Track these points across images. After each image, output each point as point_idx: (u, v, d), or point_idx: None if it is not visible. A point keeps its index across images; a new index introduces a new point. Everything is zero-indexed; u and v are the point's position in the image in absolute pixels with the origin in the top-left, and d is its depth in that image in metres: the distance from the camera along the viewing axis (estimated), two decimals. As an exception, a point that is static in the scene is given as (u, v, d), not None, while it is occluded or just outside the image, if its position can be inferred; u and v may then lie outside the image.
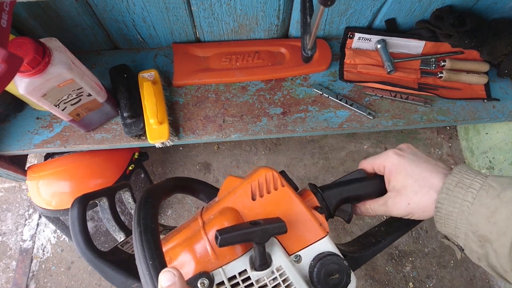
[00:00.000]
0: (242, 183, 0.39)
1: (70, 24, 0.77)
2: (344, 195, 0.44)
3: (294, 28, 0.85)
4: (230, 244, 0.32)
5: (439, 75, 0.84)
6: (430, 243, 1.09)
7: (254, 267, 0.34)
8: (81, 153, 0.87)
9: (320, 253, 0.37)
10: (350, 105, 0.81)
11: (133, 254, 0.36)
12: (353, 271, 0.39)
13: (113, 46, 0.88)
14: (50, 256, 1.07)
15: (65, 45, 0.61)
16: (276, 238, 0.37)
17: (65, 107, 0.66)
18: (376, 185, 0.45)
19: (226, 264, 0.34)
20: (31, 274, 1.05)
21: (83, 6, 0.72)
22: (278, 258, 0.36)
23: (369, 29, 0.87)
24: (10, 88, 0.69)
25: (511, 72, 0.85)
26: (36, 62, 0.54)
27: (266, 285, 0.35)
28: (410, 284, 1.05)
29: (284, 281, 0.36)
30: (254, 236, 0.33)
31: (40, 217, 1.13)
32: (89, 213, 0.97)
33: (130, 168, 0.94)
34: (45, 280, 1.04)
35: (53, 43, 0.59)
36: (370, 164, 0.46)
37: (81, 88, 0.64)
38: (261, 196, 0.38)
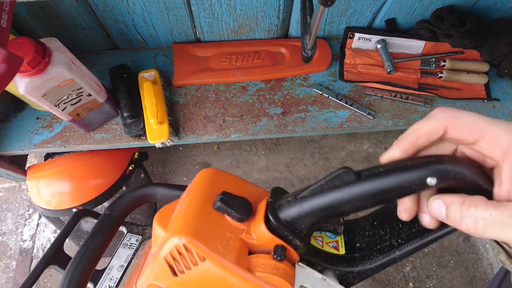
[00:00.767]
0: (155, 255, 0.31)
1: (70, 24, 0.77)
2: (325, 212, 0.29)
3: (294, 28, 0.85)
4: None
5: (439, 75, 0.84)
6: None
7: None
8: (81, 153, 0.87)
9: None
10: (350, 105, 0.81)
11: None
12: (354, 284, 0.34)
13: (113, 46, 0.88)
14: (50, 256, 1.07)
15: (65, 45, 0.61)
16: None
17: (65, 107, 0.66)
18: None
19: None
20: (31, 274, 1.05)
21: (83, 6, 0.72)
22: None
23: (369, 29, 0.87)
24: (10, 88, 0.69)
25: (511, 72, 0.85)
26: (36, 62, 0.54)
27: None
28: (410, 284, 1.05)
29: None
30: None
31: (40, 217, 1.13)
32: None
33: (130, 168, 0.94)
34: (45, 280, 1.04)
35: (53, 43, 0.59)
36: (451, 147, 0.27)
37: (81, 88, 0.64)
38: (182, 272, 0.30)
